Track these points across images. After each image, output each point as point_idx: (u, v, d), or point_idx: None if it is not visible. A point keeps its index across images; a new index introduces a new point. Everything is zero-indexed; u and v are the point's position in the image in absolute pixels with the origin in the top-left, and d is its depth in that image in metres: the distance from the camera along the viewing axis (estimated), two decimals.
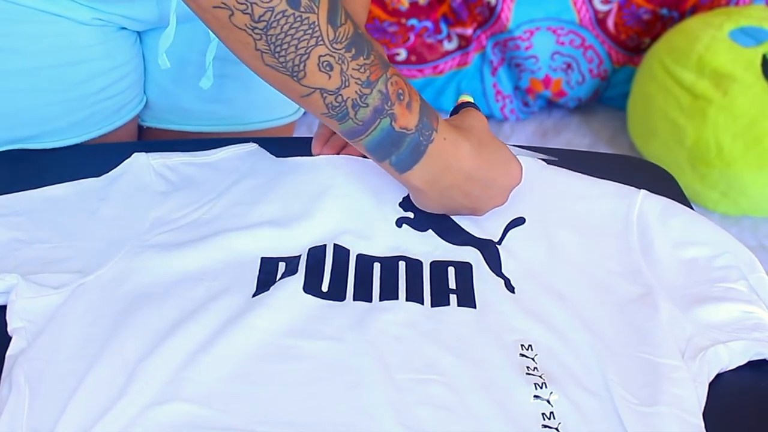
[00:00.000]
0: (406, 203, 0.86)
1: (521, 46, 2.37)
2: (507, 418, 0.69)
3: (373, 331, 0.74)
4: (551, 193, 0.89)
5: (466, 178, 0.78)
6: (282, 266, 0.80)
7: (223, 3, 0.69)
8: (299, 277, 0.78)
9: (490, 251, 0.83)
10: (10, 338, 0.73)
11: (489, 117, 2.47)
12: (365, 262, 0.81)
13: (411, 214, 0.85)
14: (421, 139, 0.75)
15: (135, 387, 0.69)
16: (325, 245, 0.81)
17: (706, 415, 0.71)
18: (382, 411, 0.69)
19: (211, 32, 0.84)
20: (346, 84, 0.71)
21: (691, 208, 0.92)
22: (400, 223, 0.84)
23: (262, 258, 0.81)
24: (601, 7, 2.36)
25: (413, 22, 2.38)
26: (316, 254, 0.80)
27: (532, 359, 0.73)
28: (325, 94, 0.71)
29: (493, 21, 2.36)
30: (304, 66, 0.69)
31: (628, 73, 2.41)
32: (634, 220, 0.87)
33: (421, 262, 0.81)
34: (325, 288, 0.78)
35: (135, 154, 0.90)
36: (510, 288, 0.80)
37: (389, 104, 0.73)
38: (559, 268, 0.82)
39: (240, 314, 0.75)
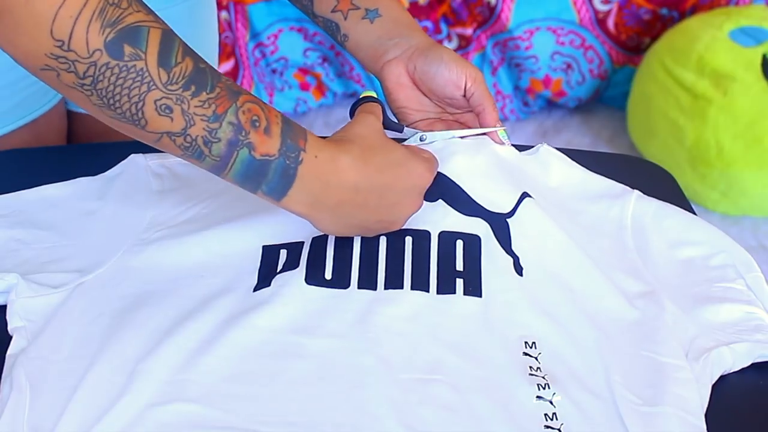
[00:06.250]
0: None
1: (521, 46, 2.37)
2: (509, 419, 0.69)
3: (376, 328, 0.74)
4: (546, 193, 0.88)
5: (354, 191, 0.73)
6: (284, 253, 0.79)
7: (46, 65, 0.67)
8: (301, 270, 0.77)
9: (499, 225, 0.81)
10: (10, 337, 0.73)
11: None
12: (371, 238, 0.79)
13: None
14: (288, 162, 0.71)
15: (136, 386, 0.69)
16: (327, 235, 0.79)
17: (708, 416, 0.71)
18: (385, 411, 0.68)
19: None
20: (192, 123, 0.68)
21: (691, 208, 0.92)
22: None
23: (264, 246, 0.80)
24: (601, 7, 2.36)
25: None
26: (319, 242, 0.79)
27: (536, 359, 0.73)
28: (173, 137, 0.69)
29: (493, 21, 2.36)
30: (142, 113, 0.68)
31: (628, 73, 2.41)
32: (628, 223, 0.86)
33: (429, 233, 0.79)
34: (328, 275, 0.77)
35: (132, 155, 0.90)
36: (518, 269, 0.79)
37: (244, 134, 0.69)
38: (567, 250, 0.81)
39: (241, 311, 0.75)
